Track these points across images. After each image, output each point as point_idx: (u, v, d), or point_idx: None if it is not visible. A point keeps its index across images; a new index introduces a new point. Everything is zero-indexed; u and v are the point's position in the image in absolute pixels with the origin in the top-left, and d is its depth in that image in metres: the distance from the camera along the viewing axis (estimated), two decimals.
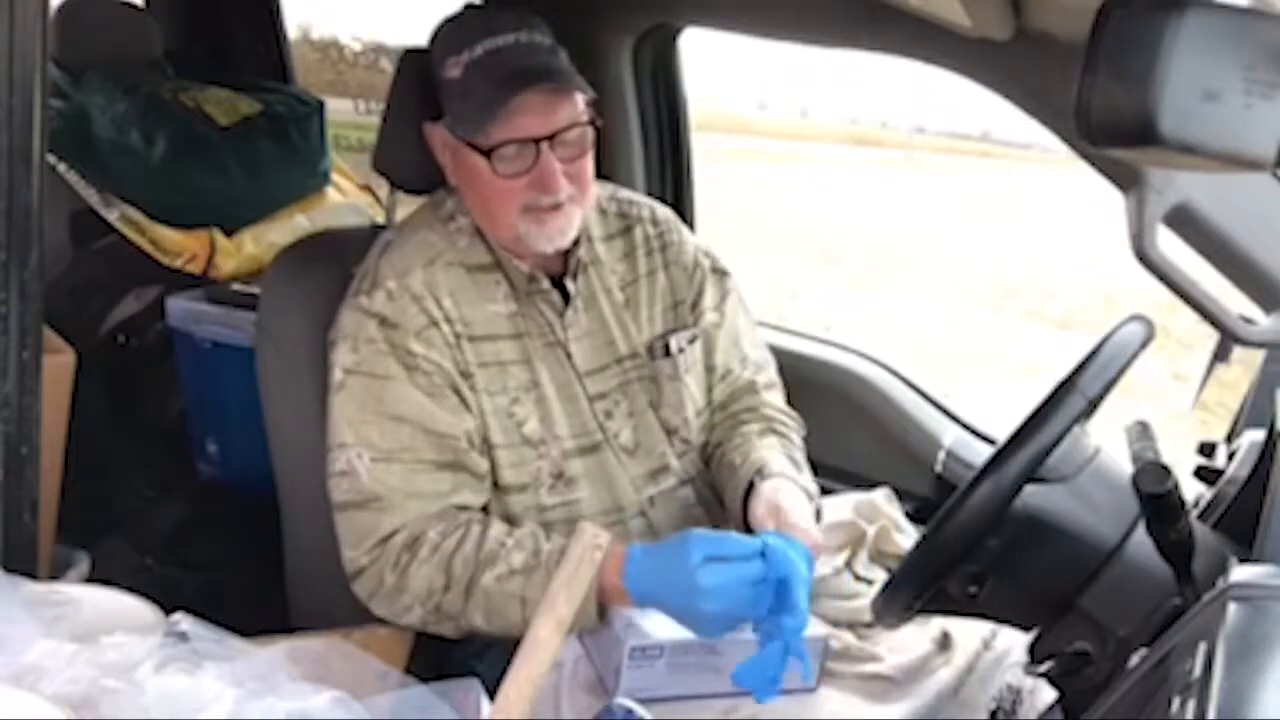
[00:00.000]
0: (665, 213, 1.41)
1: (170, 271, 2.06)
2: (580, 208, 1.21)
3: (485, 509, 1.22)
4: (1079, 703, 0.89)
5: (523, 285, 1.24)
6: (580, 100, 1.18)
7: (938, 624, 1.23)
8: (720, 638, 1.06)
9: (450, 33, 1.20)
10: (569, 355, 1.27)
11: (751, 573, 1.02)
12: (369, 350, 1.18)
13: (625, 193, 1.41)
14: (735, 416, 1.37)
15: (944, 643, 1.20)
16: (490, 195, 1.18)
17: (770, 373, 1.43)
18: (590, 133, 1.19)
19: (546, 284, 1.25)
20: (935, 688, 1.16)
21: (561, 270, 1.27)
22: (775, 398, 1.41)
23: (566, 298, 1.27)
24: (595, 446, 1.27)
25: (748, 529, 1.17)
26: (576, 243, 1.25)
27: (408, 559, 1.13)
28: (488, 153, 1.15)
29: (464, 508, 1.19)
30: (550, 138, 1.15)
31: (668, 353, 1.32)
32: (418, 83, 1.25)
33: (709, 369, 1.37)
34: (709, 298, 1.37)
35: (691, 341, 1.35)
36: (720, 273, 1.40)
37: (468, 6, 1.21)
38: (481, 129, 1.14)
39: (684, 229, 1.41)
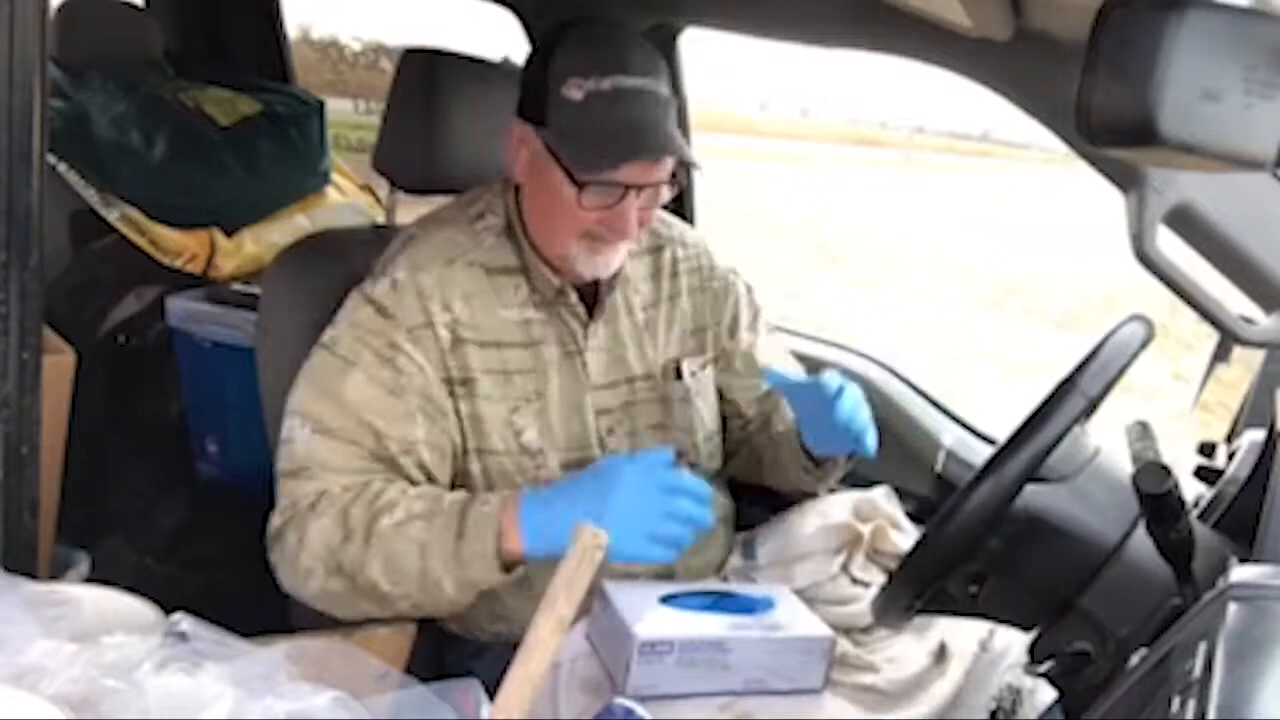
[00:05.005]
0: (696, 236, 1.42)
1: (170, 271, 2.05)
2: (631, 245, 1.23)
3: None
4: (1079, 703, 0.89)
5: (549, 294, 1.24)
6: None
7: (935, 636, 1.22)
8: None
9: (580, 50, 1.15)
10: (585, 365, 1.26)
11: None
12: (350, 333, 1.17)
13: (658, 211, 1.39)
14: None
15: (941, 655, 1.20)
16: (559, 215, 1.18)
17: None
18: (668, 189, 1.20)
19: (574, 298, 1.25)
20: (930, 704, 1.16)
21: (588, 284, 1.27)
22: None
23: (590, 309, 1.27)
24: (591, 462, 1.24)
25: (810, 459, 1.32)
26: None
27: (309, 515, 1.10)
28: (581, 185, 1.14)
29: None
30: (640, 189, 1.16)
31: (679, 376, 1.33)
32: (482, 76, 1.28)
33: (742, 389, 1.41)
34: (744, 318, 1.41)
35: (704, 367, 1.36)
36: (750, 290, 1.43)
37: (593, 29, 1.16)
38: (587, 167, 1.13)
39: (712, 253, 1.42)
